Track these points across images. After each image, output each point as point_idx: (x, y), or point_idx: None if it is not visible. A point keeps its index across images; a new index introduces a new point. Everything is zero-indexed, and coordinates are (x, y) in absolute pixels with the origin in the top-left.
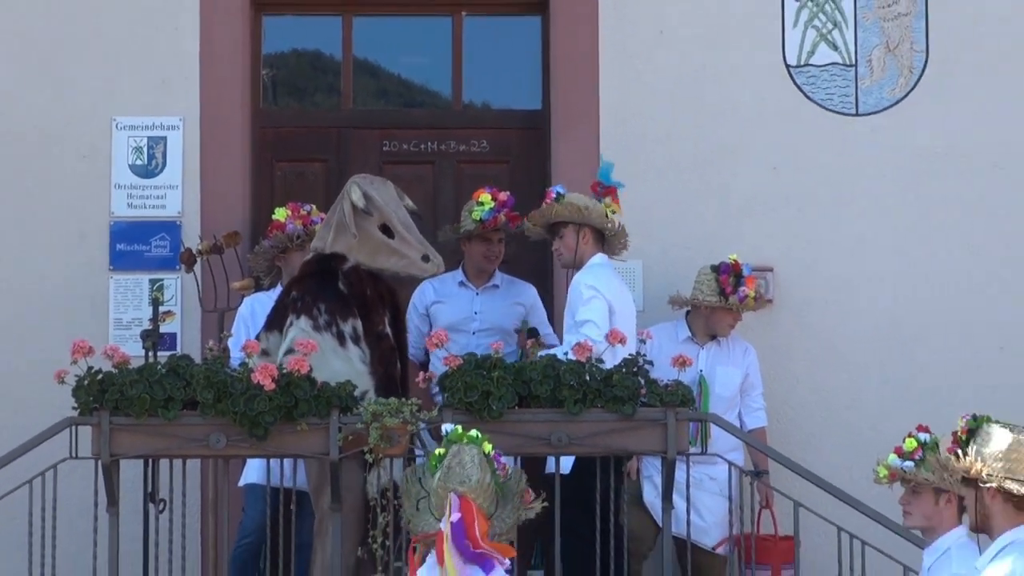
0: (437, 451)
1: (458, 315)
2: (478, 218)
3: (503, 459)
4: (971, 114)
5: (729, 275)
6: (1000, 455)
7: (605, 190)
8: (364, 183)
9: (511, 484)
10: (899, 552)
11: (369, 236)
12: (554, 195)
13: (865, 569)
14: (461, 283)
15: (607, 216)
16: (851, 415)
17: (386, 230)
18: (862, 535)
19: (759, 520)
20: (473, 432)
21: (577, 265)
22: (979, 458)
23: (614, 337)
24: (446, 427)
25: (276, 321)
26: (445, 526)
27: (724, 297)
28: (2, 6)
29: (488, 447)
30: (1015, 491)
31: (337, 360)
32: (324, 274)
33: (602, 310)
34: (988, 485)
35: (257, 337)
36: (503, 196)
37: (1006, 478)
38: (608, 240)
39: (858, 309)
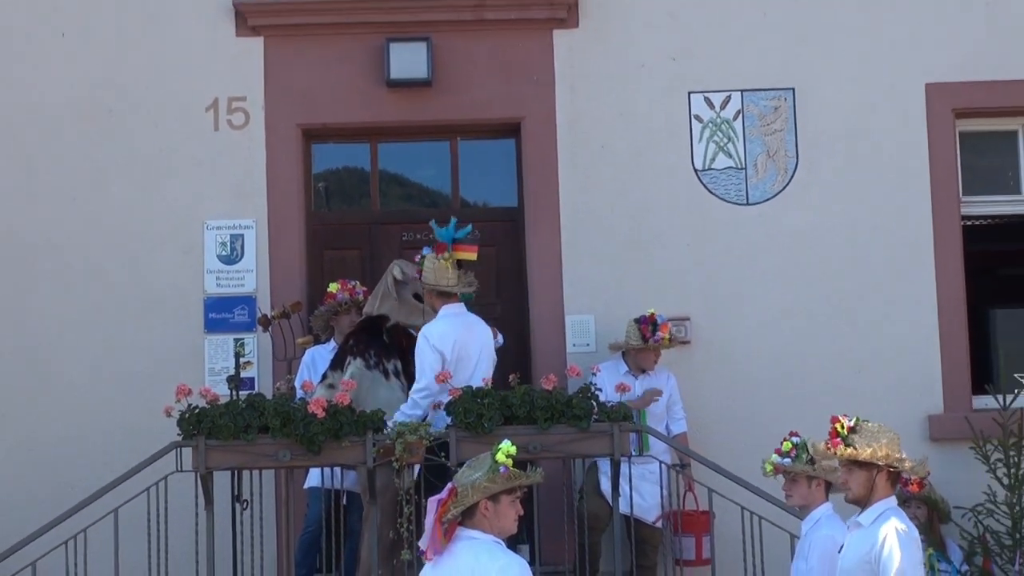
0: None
1: None
2: None
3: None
4: (829, 203)
5: (647, 324)
6: (895, 445)
7: (439, 246)
8: (402, 264)
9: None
10: (786, 523)
11: (405, 300)
12: (418, 258)
13: (763, 536)
14: None
15: (439, 273)
16: (750, 424)
17: (417, 297)
18: (759, 512)
19: (684, 501)
20: (503, 445)
21: (434, 312)
22: (883, 447)
23: (440, 378)
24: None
25: (338, 362)
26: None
27: (645, 341)
28: (119, 139)
29: (505, 460)
30: (920, 475)
31: (384, 389)
32: (372, 329)
33: (430, 363)
34: (897, 468)
35: (324, 375)
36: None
37: (913, 466)
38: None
39: (753, 346)
